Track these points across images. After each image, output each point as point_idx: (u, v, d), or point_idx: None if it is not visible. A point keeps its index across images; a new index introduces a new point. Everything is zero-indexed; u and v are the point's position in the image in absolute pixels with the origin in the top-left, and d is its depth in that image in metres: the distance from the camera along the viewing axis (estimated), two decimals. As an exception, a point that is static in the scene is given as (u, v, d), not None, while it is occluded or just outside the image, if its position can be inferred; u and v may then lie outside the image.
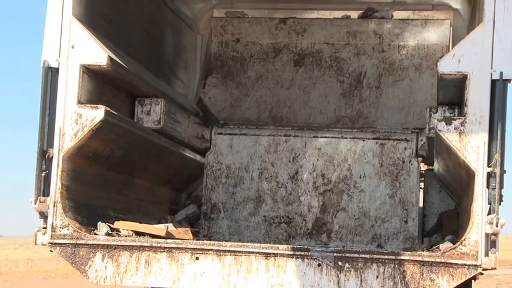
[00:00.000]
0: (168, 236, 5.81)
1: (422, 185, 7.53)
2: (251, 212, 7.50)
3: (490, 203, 5.30)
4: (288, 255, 5.38)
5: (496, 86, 5.34)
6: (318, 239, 7.25)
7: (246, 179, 7.60)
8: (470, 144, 5.33)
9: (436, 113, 6.15)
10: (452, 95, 5.97)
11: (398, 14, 8.33)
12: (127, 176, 6.67)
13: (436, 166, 6.91)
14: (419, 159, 7.33)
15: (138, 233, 5.81)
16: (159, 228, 5.87)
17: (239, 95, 8.24)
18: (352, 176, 7.40)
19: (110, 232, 5.75)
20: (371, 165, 7.37)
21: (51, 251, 5.74)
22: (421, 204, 7.41)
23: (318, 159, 7.52)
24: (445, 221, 7.10)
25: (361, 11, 8.39)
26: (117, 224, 5.90)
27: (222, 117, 8.07)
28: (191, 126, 7.49)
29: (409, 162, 7.29)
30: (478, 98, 5.35)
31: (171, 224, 6.16)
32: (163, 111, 6.61)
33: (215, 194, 7.61)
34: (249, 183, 7.59)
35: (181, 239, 5.77)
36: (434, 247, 5.65)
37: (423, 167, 8.76)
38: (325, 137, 7.57)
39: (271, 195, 7.52)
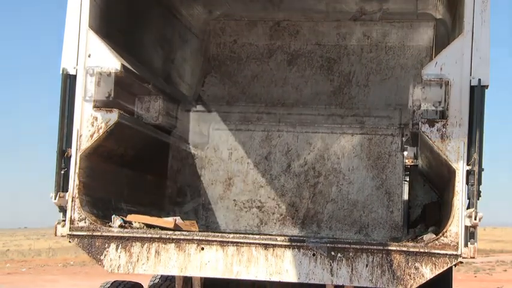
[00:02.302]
0: (176, 228, 5.80)
1: (407, 179, 7.41)
2: (248, 202, 7.43)
3: (469, 198, 5.32)
4: (285, 246, 5.38)
5: (475, 92, 5.34)
6: (309, 228, 7.15)
7: (242, 172, 7.46)
8: (451, 145, 5.33)
9: (419, 109, 5.76)
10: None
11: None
12: (138, 172, 6.66)
13: (420, 163, 6.90)
14: (405, 153, 7.23)
15: (149, 226, 5.80)
16: (168, 221, 5.85)
17: (236, 93, 8.03)
18: (341, 169, 7.29)
19: (123, 224, 5.74)
20: (359, 158, 7.28)
21: (69, 241, 5.75)
22: (406, 196, 7.32)
23: (309, 153, 7.40)
24: (429, 213, 7.07)
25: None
26: (130, 217, 5.89)
27: (219, 114, 7.89)
28: (189, 122, 7.37)
29: (395, 155, 7.21)
30: (458, 103, 5.35)
31: (179, 217, 6.14)
32: (162, 108, 6.45)
33: (213, 187, 7.52)
34: (244, 175, 7.46)
35: (188, 231, 5.76)
36: (418, 238, 5.65)
37: (408, 161, 8.70)
38: (316, 132, 7.45)
39: (266, 187, 7.44)
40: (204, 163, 7.54)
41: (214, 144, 7.53)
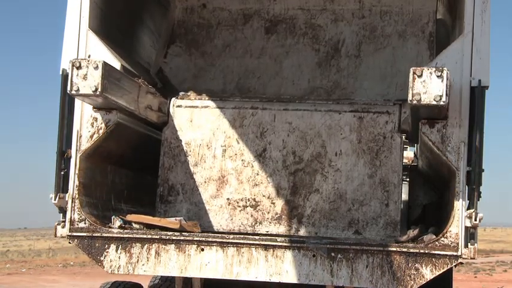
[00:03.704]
0: (181, 229, 5.76)
1: (407, 178, 7.18)
2: (213, 194, 6.18)
3: (469, 199, 5.31)
4: (285, 247, 5.37)
5: (475, 93, 5.33)
6: (288, 225, 6.00)
7: (208, 157, 6.22)
8: (451, 146, 5.32)
9: (421, 76, 4.93)
10: None
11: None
12: (137, 172, 6.65)
13: (420, 163, 6.85)
14: (403, 135, 6.11)
15: (149, 226, 5.79)
16: (173, 222, 5.82)
17: (204, 65, 6.86)
18: (326, 154, 6.03)
19: (123, 225, 5.74)
20: (348, 141, 6.02)
21: (69, 242, 5.75)
22: (405, 194, 6.97)
23: (288, 135, 6.11)
24: (428, 213, 7.02)
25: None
26: (133, 217, 5.85)
27: (183, 89, 6.62)
28: (143, 97, 5.98)
29: (391, 137, 5.97)
30: (458, 103, 5.33)
31: (182, 218, 6.10)
32: (103, 76, 5.13)
33: (173, 174, 6.28)
34: (211, 162, 6.22)
35: (189, 232, 5.75)
36: (418, 238, 5.65)
37: (410, 162, 8.51)
38: (296, 110, 6.14)
39: (236, 176, 6.15)
40: (165, 147, 6.30)
41: (176, 124, 6.31)
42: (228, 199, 6.15)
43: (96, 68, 5.11)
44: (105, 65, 5.18)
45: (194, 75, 6.84)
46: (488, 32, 5.42)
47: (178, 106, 6.33)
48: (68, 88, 5.19)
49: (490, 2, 5.47)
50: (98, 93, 5.13)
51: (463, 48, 5.40)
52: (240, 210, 6.12)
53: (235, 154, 6.19)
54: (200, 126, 6.26)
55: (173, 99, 6.35)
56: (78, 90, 5.15)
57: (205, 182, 6.21)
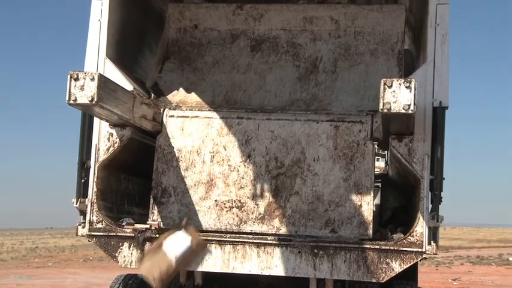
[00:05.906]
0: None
1: (379, 185, 7.15)
2: (202, 196, 5.84)
3: (432, 203, 5.31)
4: (275, 245, 5.34)
5: (437, 112, 5.34)
6: (270, 224, 5.66)
7: (198, 162, 5.91)
8: (416, 157, 5.32)
9: (391, 87, 4.78)
10: None
11: None
12: (146, 179, 6.57)
13: (391, 172, 6.84)
14: (375, 142, 5.80)
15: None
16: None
17: (195, 79, 6.54)
18: (305, 159, 5.75)
19: (122, 224, 5.70)
20: (325, 147, 5.74)
21: (89, 240, 5.72)
22: (378, 199, 6.92)
23: (271, 142, 5.83)
24: (397, 215, 7.01)
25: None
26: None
27: (175, 101, 6.32)
28: (138, 107, 5.68)
29: (364, 144, 5.68)
30: (422, 121, 5.34)
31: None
32: (99, 86, 4.80)
33: (166, 177, 5.94)
34: (200, 166, 5.91)
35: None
36: (389, 237, 5.62)
37: (381, 171, 8.51)
38: (278, 120, 5.90)
39: (223, 179, 5.84)
40: (159, 153, 5.99)
41: (169, 132, 6.00)
42: (215, 200, 5.79)
43: (93, 79, 4.76)
44: (101, 77, 4.84)
45: (186, 89, 6.47)
46: (448, 61, 5.44)
47: (171, 116, 6.04)
48: (66, 98, 4.81)
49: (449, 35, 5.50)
50: (93, 102, 4.78)
51: (426, 74, 5.42)
52: (227, 211, 5.75)
53: (223, 160, 5.87)
54: (191, 134, 5.97)
55: (166, 109, 6.07)
56: (75, 100, 4.79)
57: (195, 185, 5.86)
